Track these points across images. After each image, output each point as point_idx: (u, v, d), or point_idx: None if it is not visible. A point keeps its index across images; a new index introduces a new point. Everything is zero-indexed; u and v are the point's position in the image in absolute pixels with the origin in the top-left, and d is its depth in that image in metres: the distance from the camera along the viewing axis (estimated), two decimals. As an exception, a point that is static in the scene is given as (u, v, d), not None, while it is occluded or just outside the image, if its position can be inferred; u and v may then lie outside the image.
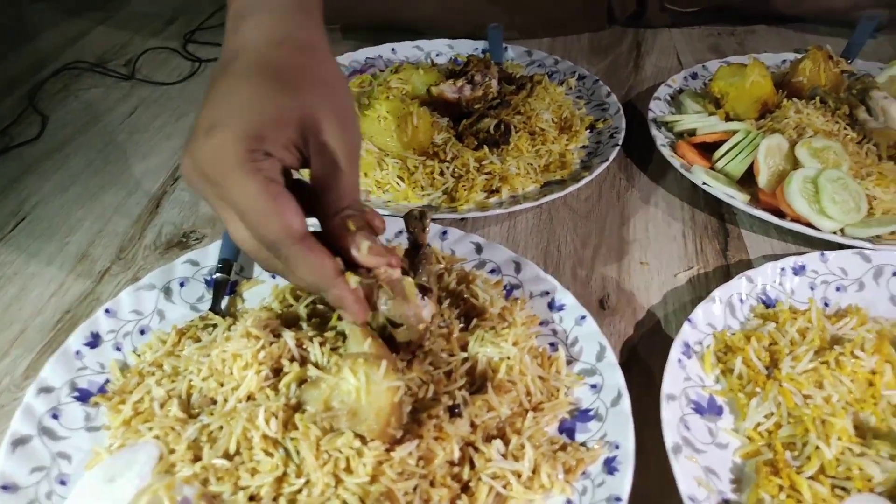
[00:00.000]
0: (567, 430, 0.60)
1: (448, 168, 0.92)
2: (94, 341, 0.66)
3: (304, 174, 0.56)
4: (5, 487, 0.53)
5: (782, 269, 0.73)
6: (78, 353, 0.65)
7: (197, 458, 0.54)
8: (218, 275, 0.74)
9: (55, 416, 0.60)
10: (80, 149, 1.02)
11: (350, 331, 0.59)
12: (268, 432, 0.54)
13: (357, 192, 0.55)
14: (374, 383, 0.53)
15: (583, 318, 0.68)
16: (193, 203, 0.91)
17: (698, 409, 0.60)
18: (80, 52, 1.25)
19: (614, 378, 0.62)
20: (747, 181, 0.91)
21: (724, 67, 1.09)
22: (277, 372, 0.60)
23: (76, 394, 0.62)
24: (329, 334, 0.63)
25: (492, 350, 0.63)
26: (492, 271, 0.76)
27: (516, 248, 0.84)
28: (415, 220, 0.66)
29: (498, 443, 0.56)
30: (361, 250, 0.54)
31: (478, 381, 0.62)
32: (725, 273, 0.80)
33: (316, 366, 0.59)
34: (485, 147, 0.94)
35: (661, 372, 0.62)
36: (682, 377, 0.62)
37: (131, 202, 0.91)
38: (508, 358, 0.62)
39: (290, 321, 0.65)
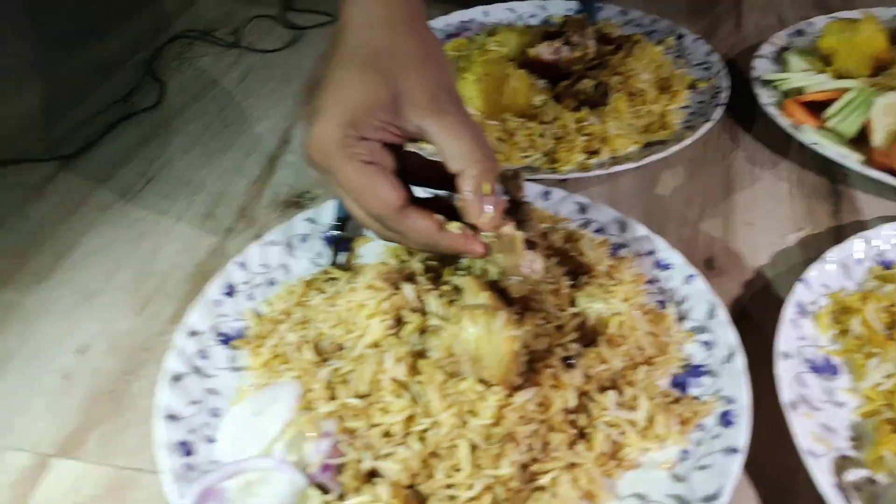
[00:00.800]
0: (679, 384, 0.62)
1: (548, 130, 0.93)
2: (230, 291, 0.72)
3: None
4: (170, 417, 0.59)
5: (901, 230, 0.72)
6: (217, 301, 0.71)
7: (333, 398, 0.59)
8: (336, 231, 0.78)
9: (203, 357, 0.66)
10: (198, 114, 1.08)
11: (466, 284, 0.63)
12: (396, 375, 0.58)
13: (481, 148, 0.56)
14: (493, 332, 0.56)
15: (691, 276, 0.69)
16: (304, 166, 0.95)
17: (814, 368, 0.61)
18: (191, 21, 1.32)
19: (726, 336, 0.63)
20: (860, 141, 0.88)
21: (834, 23, 1.04)
22: (399, 322, 0.64)
23: (220, 337, 0.68)
24: (445, 287, 0.66)
25: (602, 306, 0.65)
26: (597, 231, 0.78)
27: (619, 208, 0.84)
28: (509, 180, 0.68)
29: (612, 393, 0.59)
30: (483, 218, 0.57)
31: (588, 336, 0.64)
32: (837, 235, 0.79)
33: (436, 316, 0.63)
34: (584, 108, 0.94)
35: (772, 332, 0.63)
36: (796, 336, 0.62)
37: (249, 163, 0.97)
38: (619, 313, 0.64)
39: (407, 275, 0.68)
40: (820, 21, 1.14)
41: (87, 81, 1.15)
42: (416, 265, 0.70)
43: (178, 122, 1.07)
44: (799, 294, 0.65)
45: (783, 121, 0.90)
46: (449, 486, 0.53)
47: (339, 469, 0.54)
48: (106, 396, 0.67)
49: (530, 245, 0.64)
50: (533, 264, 0.62)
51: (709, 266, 0.77)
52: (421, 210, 0.58)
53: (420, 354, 0.60)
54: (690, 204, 0.85)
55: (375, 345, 0.63)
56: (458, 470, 0.54)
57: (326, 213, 0.81)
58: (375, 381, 0.59)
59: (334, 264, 0.76)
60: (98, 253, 0.84)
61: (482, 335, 0.56)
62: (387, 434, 0.57)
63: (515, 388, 0.57)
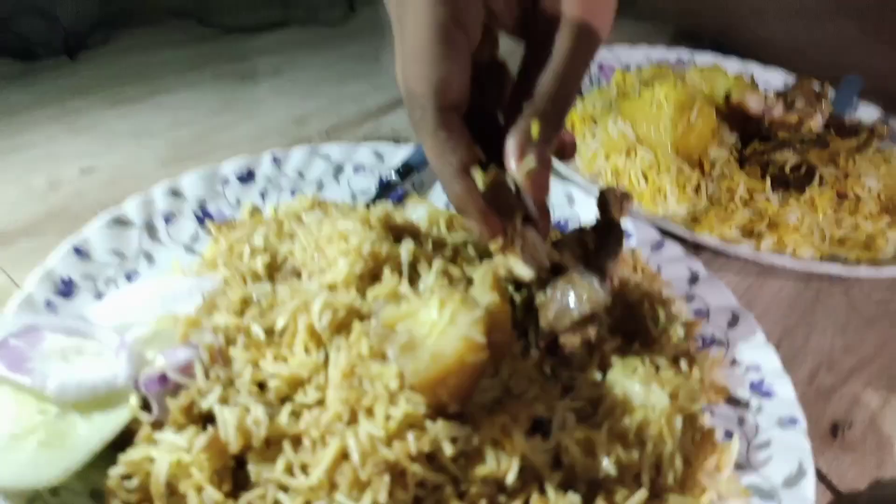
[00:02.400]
0: (685, 548, 0.39)
1: (707, 186, 0.72)
2: (246, 178, 0.62)
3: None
4: (80, 251, 0.50)
5: None
6: (226, 179, 0.61)
7: (240, 314, 0.45)
8: (392, 174, 0.65)
9: (168, 221, 0.56)
10: (359, 37, 1.03)
11: (481, 276, 0.46)
12: (315, 323, 0.43)
13: (571, 94, 0.42)
14: (454, 326, 0.39)
15: (793, 421, 0.46)
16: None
17: None
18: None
19: (799, 519, 0.39)
20: None
21: None
22: (374, 277, 0.49)
23: (199, 212, 0.58)
24: (455, 272, 0.50)
25: (638, 388, 0.44)
26: (696, 312, 0.56)
27: (749, 310, 0.61)
28: (614, 198, 0.51)
29: (575, 500, 0.38)
30: (522, 166, 0.41)
31: (598, 418, 0.44)
32: None
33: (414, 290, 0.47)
34: (767, 180, 0.72)
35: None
36: (918, 584, 0.37)
37: (371, 97, 0.88)
38: (653, 409, 0.43)
39: (415, 234, 0.53)
40: None
41: None
42: (449, 238, 0.55)
43: (339, 39, 1.02)
44: (956, 526, 0.39)
45: None
46: (281, 487, 0.37)
47: (176, 391, 0.40)
48: (65, 214, 0.60)
49: (600, 273, 0.46)
50: (592, 293, 0.44)
51: (834, 432, 0.51)
52: (465, 130, 0.42)
53: (364, 317, 0.44)
54: (851, 350, 0.59)
55: (332, 287, 0.48)
56: (305, 472, 0.37)
57: (399, 154, 0.68)
58: (294, 320, 0.44)
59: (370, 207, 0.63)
60: (183, 105, 0.81)
61: (439, 324, 0.40)
62: (260, 385, 0.42)
63: (441, 412, 0.39)
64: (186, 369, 0.41)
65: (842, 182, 0.75)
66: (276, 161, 0.64)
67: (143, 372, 0.40)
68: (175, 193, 0.58)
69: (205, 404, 0.39)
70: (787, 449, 0.44)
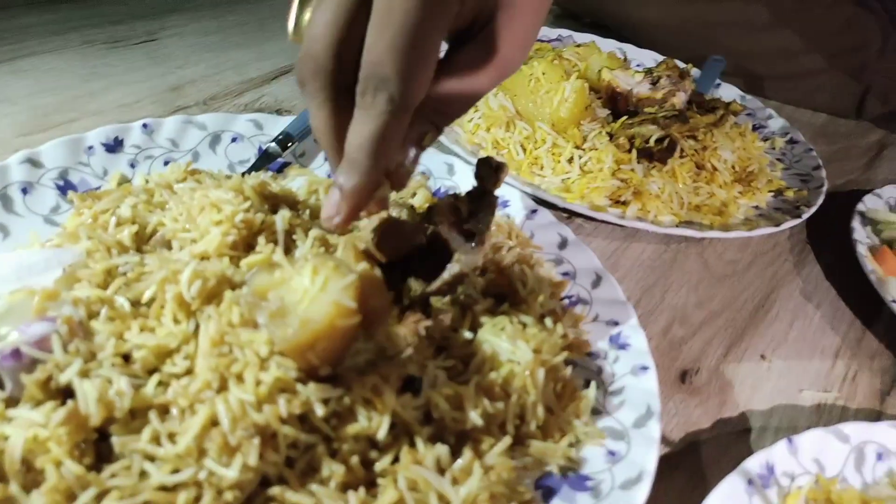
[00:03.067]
0: (545, 488, 0.43)
1: (580, 158, 0.76)
2: (114, 146, 0.60)
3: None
4: (-82, 224, 0.47)
5: (965, 444, 0.49)
6: (90, 148, 0.58)
7: (103, 287, 0.44)
8: (272, 144, 0.65)
9: (24, 191, 0.53)
10: (240, 4, 1.00)
11: (343, 249, 0.47)
12: (184, 293, 0.42)
13: (519, 57, 0.42)
14: (325, 292, 0.40)
15: (644, 368, 0.50)
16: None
17: (743, 558, 0.40)
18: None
19: (644, 456, 0.43)
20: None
21: None
22: (249, 248, 0.49)
23: (60, 182, 0.55)
24: (333, 240, 0.50)
25: (504, 344, 0.47)
26: (565, 274, 0.60)
27: (613, 271, 0.66)
28: (489, 169, 0.53)
29: (443, 450, 0.40)
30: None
31: (468, 374, 0.46)
32: (874, 420, 0.56)
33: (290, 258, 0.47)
34: (633, 153, 0.76)
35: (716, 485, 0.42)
36: (742, 504, 0.42)
37: (254, 66, 0.86)
38: (518, 363, 0.46)
39: (293, 203, 0.53)
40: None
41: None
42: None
43: (220, 7, 0.99)
44: (775, 454, 0.45)
45: (868, 265, 0.69)
46: (147, 457, 0.37)
47: (31, 367, 0.39)
48: None
49: (470, 236, 0.48)
50: (462, 256, 0.47)
51: (683, 379, 0.56)
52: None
53: (236, 286, 0.44)
54: (703, 306, 0.65)
55: (204, 257, 0.47)
56: (173, 441, 0.37)
57: (279, 125, 0.67)
58: (162, 290, 0.43)
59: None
60: (48, 71, 0.76)
61: (311, 291, 0.40)
62: (125, 358, 0.41)
63: (313, 375, 0.40)
64: (42, 343, 0.39)
65: (700, 154, 0.81)
66: (148, 129, 0.62)
67: (-6, 347, 0.38)
68: (33, 163, 0.55)
69: (63, 378, 0.38)
70: (639, 394, 0.48)
